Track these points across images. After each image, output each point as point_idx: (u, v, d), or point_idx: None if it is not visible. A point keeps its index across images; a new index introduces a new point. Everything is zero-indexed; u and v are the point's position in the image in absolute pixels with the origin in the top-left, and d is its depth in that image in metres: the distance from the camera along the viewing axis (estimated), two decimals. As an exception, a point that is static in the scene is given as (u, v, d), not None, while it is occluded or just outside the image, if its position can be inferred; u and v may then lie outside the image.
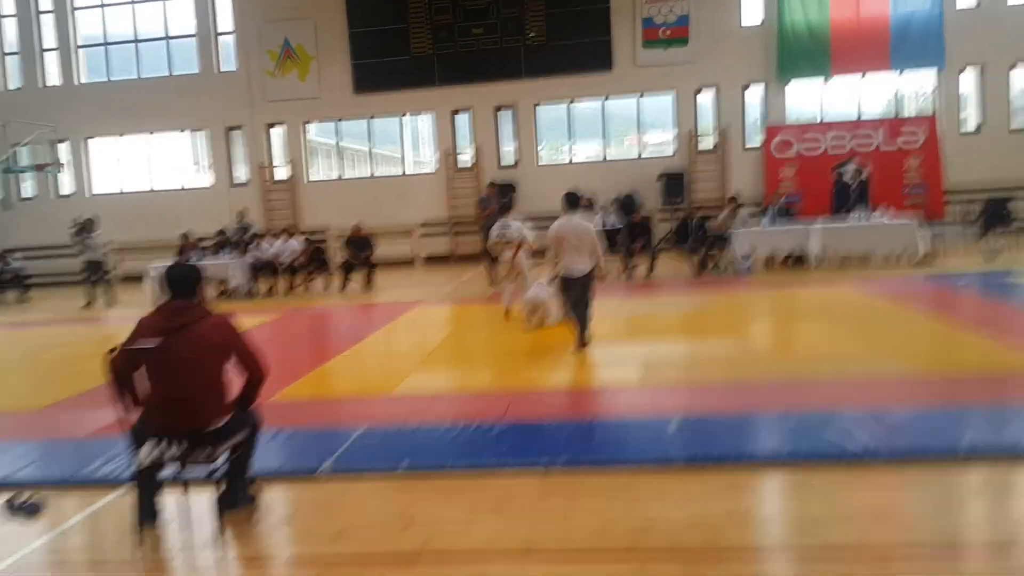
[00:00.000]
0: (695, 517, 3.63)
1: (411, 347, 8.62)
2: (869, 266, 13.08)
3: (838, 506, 3.67)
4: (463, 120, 19.34)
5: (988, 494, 3.77)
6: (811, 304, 9.61)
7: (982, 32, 17.34)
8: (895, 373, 6.06)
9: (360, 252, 14.55)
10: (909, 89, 18.76)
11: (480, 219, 14.23)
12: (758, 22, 18.20)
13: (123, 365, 3.78)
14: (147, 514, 3.86)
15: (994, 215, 14.77)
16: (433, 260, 19.17)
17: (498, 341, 8.67)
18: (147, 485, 3.87)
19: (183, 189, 20.47)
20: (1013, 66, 17.61)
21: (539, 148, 19.34)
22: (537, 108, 19.13)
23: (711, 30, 18.05)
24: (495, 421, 5.27)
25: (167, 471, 3.88)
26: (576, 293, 7.29)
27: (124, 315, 13.14)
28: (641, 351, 7.35)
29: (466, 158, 19.39)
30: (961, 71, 17.74)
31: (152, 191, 20.41)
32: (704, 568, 3.18)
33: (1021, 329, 7.41)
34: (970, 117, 18.15)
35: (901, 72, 18.08)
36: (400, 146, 20.01)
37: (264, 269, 14.75)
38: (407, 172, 20.14)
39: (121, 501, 4.32)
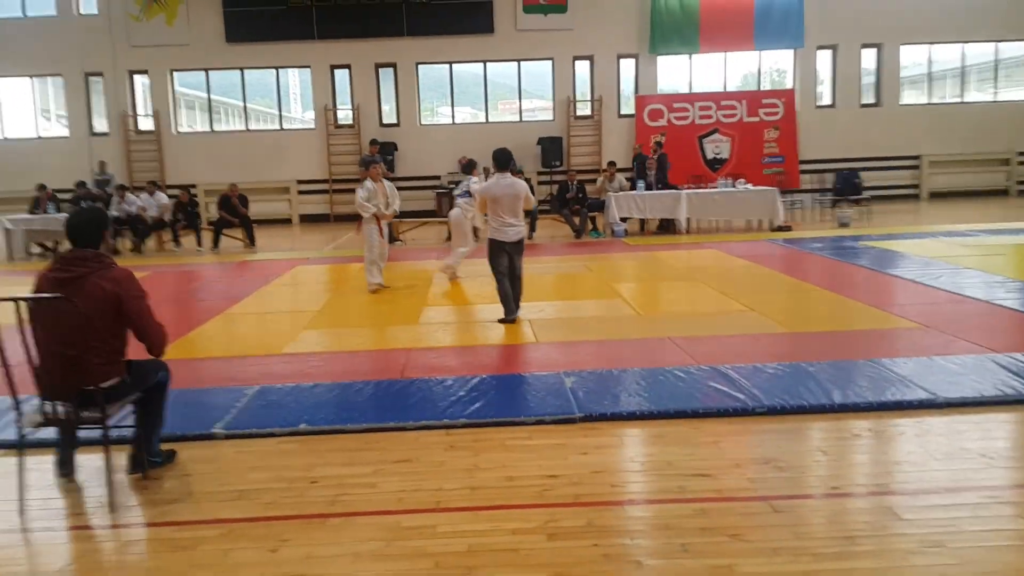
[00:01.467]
0: (596, 469, 3.81)
1: (297, 306, 8.44)
2: (732, 231, 13.84)
3: (727, 455, 3.95)
4: (342, 76, 18.82)
5: (854, 443, 4.15)
6: (683, 265, 10.09)
7: (837, 13, 18.45)
8: (757, 328, 6.52)
9: (233, 214, 13.99)
10: (768, 64, 19.79)
11: (362, 178, 13.94)
12: (635, -6, 18.62)
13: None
14: (64, 469, 3.78)
15: (846, 185, 15.93)
16: (311, 219, 18.69)
17: (386, 300, 8.64)
18: (64, 441, 3.76)
19: (38, 138, 18.92)
20: (864, 46, 18.88)
21: (420, 108, 19.10)
22: (419, 68, 18.85)
23: (589, -1, 18.31)
24: (393, 379, 5.30)
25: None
26: (510, 259, 7.00)
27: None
28: (529, 310, 7.51)
29: (345, 115, 18.91)
30: (818, 49, 18.84)
31: (3, 140, 18.74)
32: (609, 517, 3.35)
33: (868, 288, 8.10)
34: (824, 92, 19.36)
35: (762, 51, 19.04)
36: (276, 101, 19.22)
37: (128, 224, 13.94)
38: (283, 128, 19.43)
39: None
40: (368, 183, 9.01)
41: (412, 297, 8.60)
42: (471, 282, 9.51)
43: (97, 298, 3.52)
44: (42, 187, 14.22)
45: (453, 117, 19.48)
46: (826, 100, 19.36)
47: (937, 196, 18.89)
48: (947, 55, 19.49)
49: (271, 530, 3.31)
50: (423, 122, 19.26)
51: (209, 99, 19.20)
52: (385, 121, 18.98)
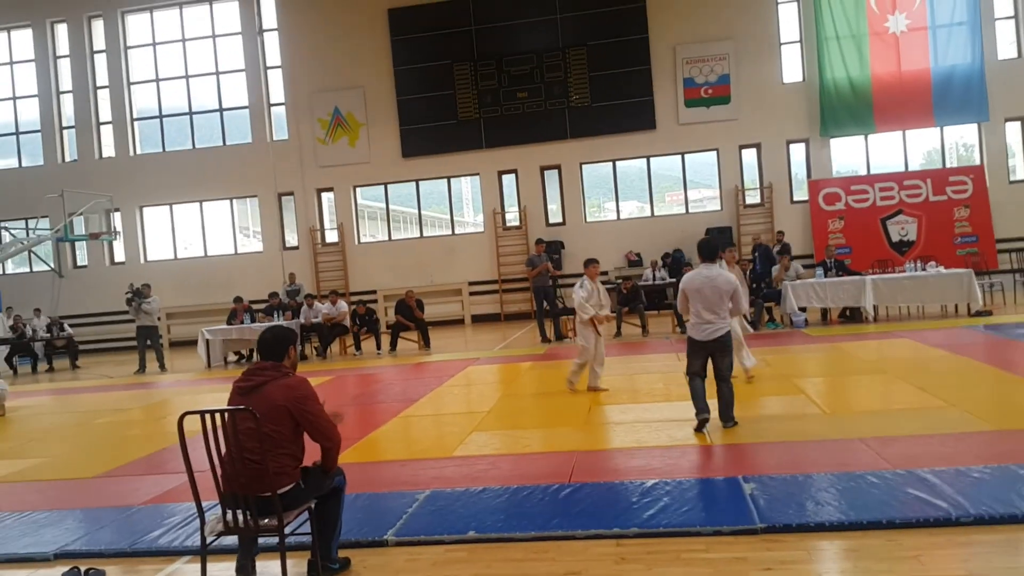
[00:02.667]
0: (780, 587, 3.52)
1: (469, 407, 8.59)
2: (924, 318, 12.81)
3: (929, 572, 3.53)
4: (509, 180, 19.63)
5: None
6: (872, 357, 9.38)
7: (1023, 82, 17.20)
8: (959, 427, 5.87)
9: (410, 318, 14.67)
10: (952, 139, 18.61)
11: (530, 277, 14.32)
12: (799, 79, 18.30)
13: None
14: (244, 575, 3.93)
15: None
16: (481, 319, 19.25)
17: (555, 400, 8.62)
18: (244, 547, 3.92)
19: (235, 254, 20.96)
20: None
21: (585, 205, 19.47)
22: (583, 167, 19.33)
23: (753, 87, 18.19)
24: (562, 483, 5.21)
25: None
26: (712, 360, 6.39)
27: (176, 380, 13.38)
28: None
29: (513, 217, 19.60)
30: (1006, 121, 17.55)
31: (205, 257, 20.93)
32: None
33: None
34: (1018, 166, 17.89)
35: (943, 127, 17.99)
36: (448, 207, 20.31)
37: (315, 331, 14.95)
38: (455, 232, 20.42)
39: (181, 570, 4.35)
40: (586, 282, 8.62)
41: (582, 396, 8.51)
42: (646, 378, 9.32)
43: (272, 403, 3.72)
44: (238, 299, 15.57)
45: (618, 212, 19.67)
46: (1019, 175, 17.85)
47: None
48: None
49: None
50: (589, 219, 19.57)
51: (388, 209, 20.59)
52: (551, 220, 19.47)
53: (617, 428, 6.96)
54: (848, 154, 18.75)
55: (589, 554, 4.07)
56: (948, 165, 18.22)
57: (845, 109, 17.83)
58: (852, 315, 13.22)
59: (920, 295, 12.94)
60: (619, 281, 15.31)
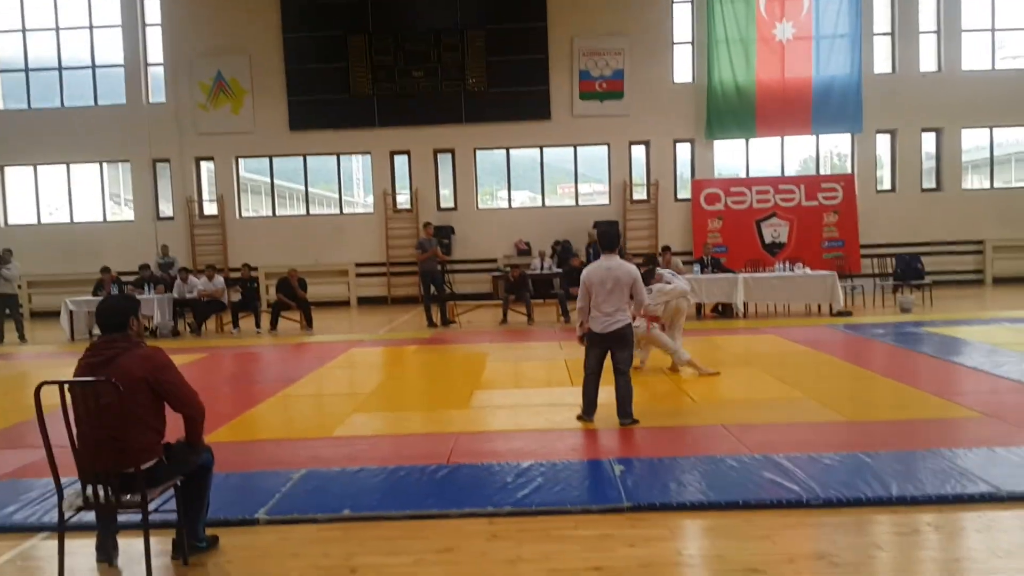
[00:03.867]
0: (642, 562, 3.68)
1: (349, 388, 8.51)
2: (790, 316, 13.58)
3: (779, 549, 3.79)
4: (402, 161, 19.42)
5: (912, 537, 3.94)
6: (740, 350, 9.89)
7: (896, 97, 18.43)
8: (815, 416, 6.31)
9: (292, 297, 14.33)
10: (827, 148, 19.75)
11: (419, 261, 14.27)
12: (689, 80, 18.94)
13: None
14: (104, 554, 3.82)
15: (907, 270, 15.55)
16: (368, 301, 19.03)
17: (438, 384, 8.67)
18: (104, 524, 3.79)
19: (105, 222, 19.84)
20: (924, 130, 18.74)
21: (478, 192, 19.52)
22: (476, 153, 19.35)
23: (645, 85, 18.68)
24: (438, 464, 5.26)
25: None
26: (610, 354, 6.33)
27: (37, 352, 12.61)
28: (575, 393, 7.42)
29: (404, 199, 19.43)
30: (877, 133, 18.77)
31: (72, 223, 19.72)
32: (653, 613, 3.22)
33: (933, 377, 7.81)
34: (884, 177, 19.18)
35: (820, 135, 19.06)
36: (337, 185, 19.89)
37: (190, 306, 14.39)
38: (343, 212, 20.03)
39: (38, 547, 4.15)
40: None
41: (464, 379, 8.59)
42: (530, 365, 9.49)
43: (129, 376, 3.58)
44: (106, 269, 14.78)
45: (510, 201, 19.84)
46: (886, 185, 19.16)
47: (1002, 281, 18.31)
48: (1009, 138, 19.19)
49: (308, 619, 3.26)
50: (481, 206, 19.63)
51: (272, 184, 19.98)
52: (443, 205, 19.42)
53: (498, 412, 7.06)
54: (730, 156, 19.58)
55: (462, 531, 4.14)
56: (822, 172, 19.32)
57: (730, 113, 18.59)
58: (724, 311, 13.86)
59: (787, 294, 13.71)
60: (507, 269, 15.47)
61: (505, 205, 19.86)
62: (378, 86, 18.74)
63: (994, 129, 18.91)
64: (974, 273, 18.66)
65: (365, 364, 10.26)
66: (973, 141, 19.21)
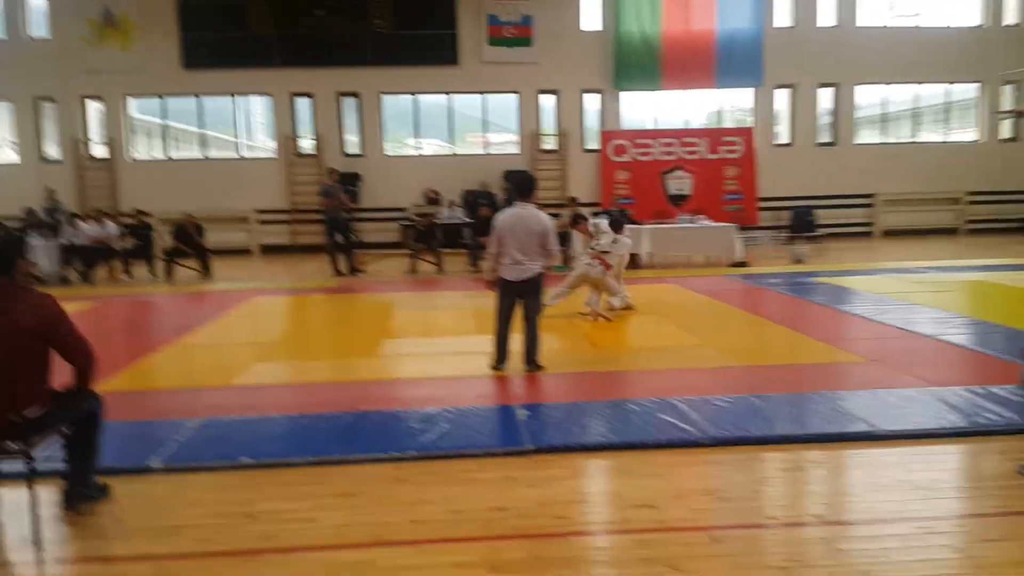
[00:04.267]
0: (543, 501, 3.78)
1: (251, 338, 8.31)
2: (692, 267, 13.98)
3: (671, 486, 3.95)
4: (304, 105, 18.78)
5: (796, 473, 4.18)
6: (643, 299, 10.14)
7: (795, 52, 18.93)
8: (711, 362, 6.56)
9: (189, 243, 13.79)
10: (732, 102, 20.20)
11: (324, 208, 13.94)
12: (598, 27, 18.90)
13: None
14: None
15: (801, 222, 16.23)
16: (271, 249, 18.50)
17: (344, 332, 8.56)
18: None
19: (-16, 164, 18.52)
20: (821, 85, 19.37)
21: (384, 138, 19.12)
22: (383, 98, 18.90)
23: (553, 32, 18.54)
24: (342, 412, 5.22)
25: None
26: (522, 303, 6.31)
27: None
28: (487, 342, 7.48)
29: (308, 145, 18.85)
30: (777, 88, 19.28)
31: (-52, 165, 18.32)
32: (552, 549, 3.31)
33: (820, 323, 8.22)
34: (783, 131, 19.78)
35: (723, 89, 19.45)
36: (235, 128, 19.08)
37: (78, 253, 13.68)
38: (243, 156, 19.28)
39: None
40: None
41: (371, 329, 8.51)
42: (439, 314, 9.47)
43: (17, 327, 3.39)
44: (-12, 214, 13.89)
45: (418, 148, 19.53)
46: (784, 139, 19.78)
47: (890, 234, 19.32)
48: (901, 96, 20.06)
49: (204, 566, 3.22)
50: (388, 152, 19.26)
51: (165, 126, 19.01)
52: (349, 151, 18.95)
53: (406, 360, 7.05)
54: (637, 108, 19.78)
55: (366, 476, 4.14)
56: (725, 126, 19.75)
57: (637, 64, 18.71)
58: (631, 261, 14.11)
59: (690, 245, 14.10)
60: (416, 218, 15.30)
61: (414, 153, 19.55)
62: (278, 24, 17.93)
63: (886, 85, 19.71)
64: (864, 226, 19.59)
65: (268, 313, 10.03)
66: (867, 98, 19.98)
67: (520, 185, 6.35)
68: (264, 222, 18.60)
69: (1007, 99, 18.52)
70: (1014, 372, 4.24)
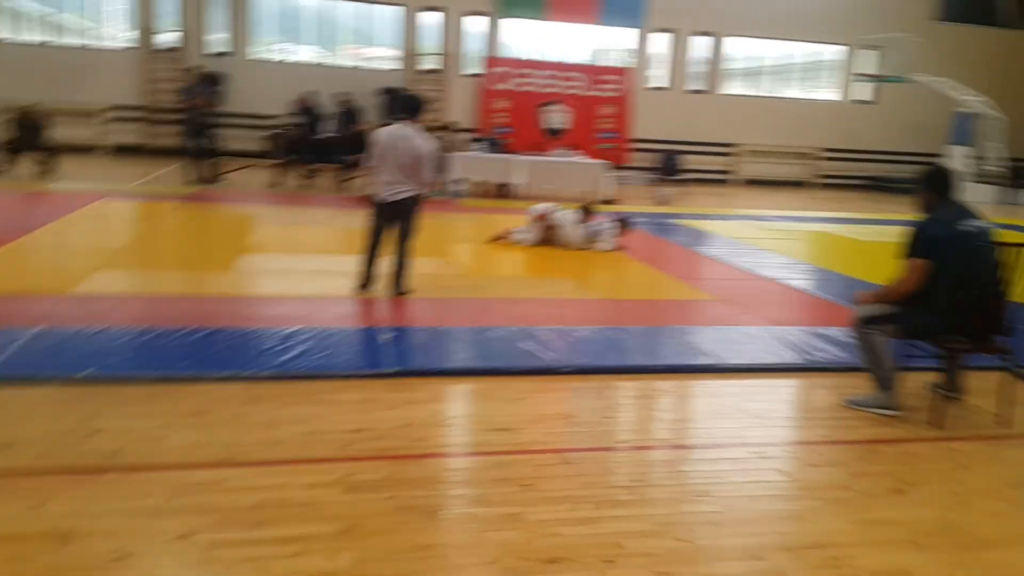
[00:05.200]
0: (401, 423, 3.80)
1: (96, 243, 7.76)
2: (563, 201, 14.17)
3: (528, 411, 4.08)
4: (165, -4, 17.36)
5: (645, 401, 4.42)
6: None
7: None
8: (575, 295, 6.75)
9: (30, 136, 12.60)
10: (617, 41, 20.30)
11: (185, 108, 13.08)
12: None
13: None
14: None
15: (668, 165, 16.71)
16: (125, 150, 17.24)
17: (200, 243, 8.16)
18: None
19: None
20: (697, 34, 19.80)
21: (253, 39, 18.01)
22: (252, -4, 17.73)
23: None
24: (194, 328, 5.00)
25: None
26: (395, 224, 6.15)
27: None
28: (353, 263, 7.35)
29: (170, 38, 17.49)
30: (657, 32, 19.54)
31: None
32: (408, 470, 3.35)
33: (680, 263, 8.60)
34: (661, 75, 20.15)
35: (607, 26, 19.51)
36: (82, 13, 17.39)
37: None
38: (93, 45, 17.67)
39: None
40: None
41: (229, 241, 8.15)
42: (305, 230, 9.17)
43: None
44: None
45: (290, 54, 18.54)
46: (660, 83, 20.16)
47: (751, 183, 20.28)
48: (772, 52, 20.81)
49: (38, 484, 3.04)
50: (258, 55, 18.19)
51: (5, 5, 17.09)
52: (215, 50, 17.75)
53: (265, 276, 6.82)
54: (522, 37, 19.53)
55: (217, 395, 4.00)
56: (607, 64, 19.89)
57: (522, -8, 18.43)
58: (502, 190, 14.15)
59: (562, 180, 14.25)
60: (286, 128, 14.62)
61: (285, 58, 18.55)
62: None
63: (760, 40, 20.36)
64: (726, 173, 20.45)
65: (116, 218, 9.41)
66: (741, 50, 20.61)
67: (407, 103, 6.12)
68: (117, 119, 17.26)
69: (865, 63, 19.58)
70: (846, 316, 4.62)
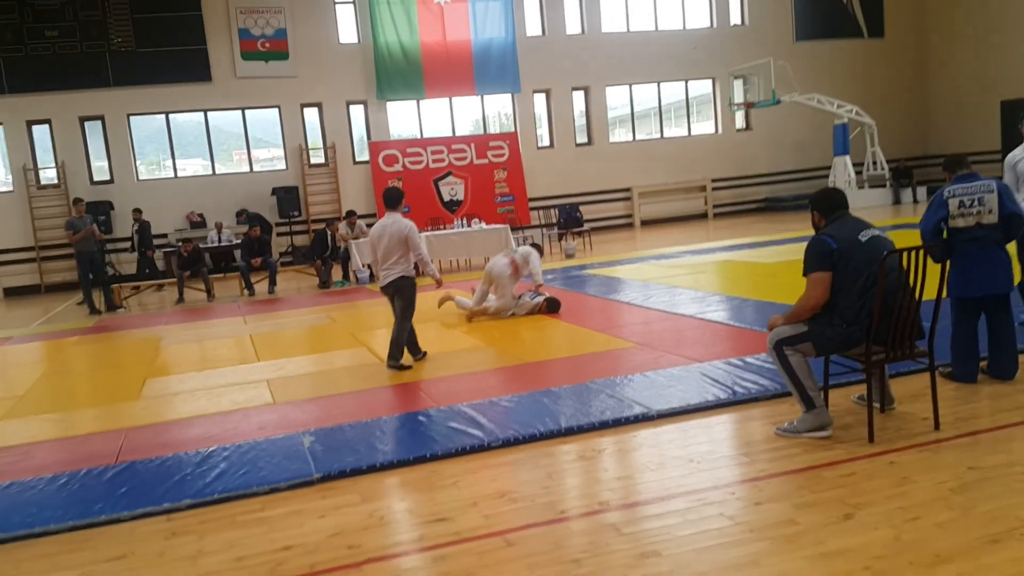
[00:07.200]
0: (333, 532, 3.66)
1: (-8, 395, 7.36)
2: (471, 269, 14.29)
3: (464, 495, 3.98)
4: (42, 132, 17.02)
5: (582, 463, 4.37)
6: (424, 307, 10.18)
7: (548, 58, 19.93)
8: (498, 363, 6.73)
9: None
10: (495, 108, 20.88)
11: (72, 242, 12.70)
12: (355, 40, 18.79)
13: None
14: None
15: (568, 219, 17.09)
16: (17, 292, 16.56)
17: (105, 376, 7.83)
18: None
19: None
20: (574, 89, 20.54)
21: (136, 162, 17.75)
22: (131, 119, 17.53)
23: (310, 46, 18.22)
24: (106, 466, 4.76)
25: None
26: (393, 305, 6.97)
27: None
28: (268, 369, 7.17)
29: (50, 175, 17.06)
30: (534, 93, 20.19)
31: None
32: (346, 580, 3.22)
33: (597, 314, 8.70)
34: (544, 134, 20.77)
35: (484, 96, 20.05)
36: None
37: None
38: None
39: None
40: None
41: (134, 368, 7.85)
42: (212, 344, 8.91)
43: None
44: None
45: (175, 170, 18.31)
46: (545, 141, 20.74)
47: (648, 223, 20.89)
48: (646, 95, 21.74)
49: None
50: (142, 176, 17.89)
51: None
52: (97, 178, 17.39)
53: (174, 399, 6.56)
54: (405, 118, 19.87)
55: (136, 535, 3.80)
56: (490, 132, 20.37)
57: (398, 74, 18.80)
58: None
59: (467, 249, 14.39)
60: (179, 244, 14.34)
61: (171, 175, 18.30)
62: (3, 48, 16.12)
63: (633, 86, 21.25)
64: (624, 218, 21.03)
65: (15, 363, 8.96)
66: (617, 99, 21.45)
67: (388, 196, 6.94)
68: (6, 263, 16.62)
69: (737, 92, 20.63)
70: (763, 341, 4.69)
